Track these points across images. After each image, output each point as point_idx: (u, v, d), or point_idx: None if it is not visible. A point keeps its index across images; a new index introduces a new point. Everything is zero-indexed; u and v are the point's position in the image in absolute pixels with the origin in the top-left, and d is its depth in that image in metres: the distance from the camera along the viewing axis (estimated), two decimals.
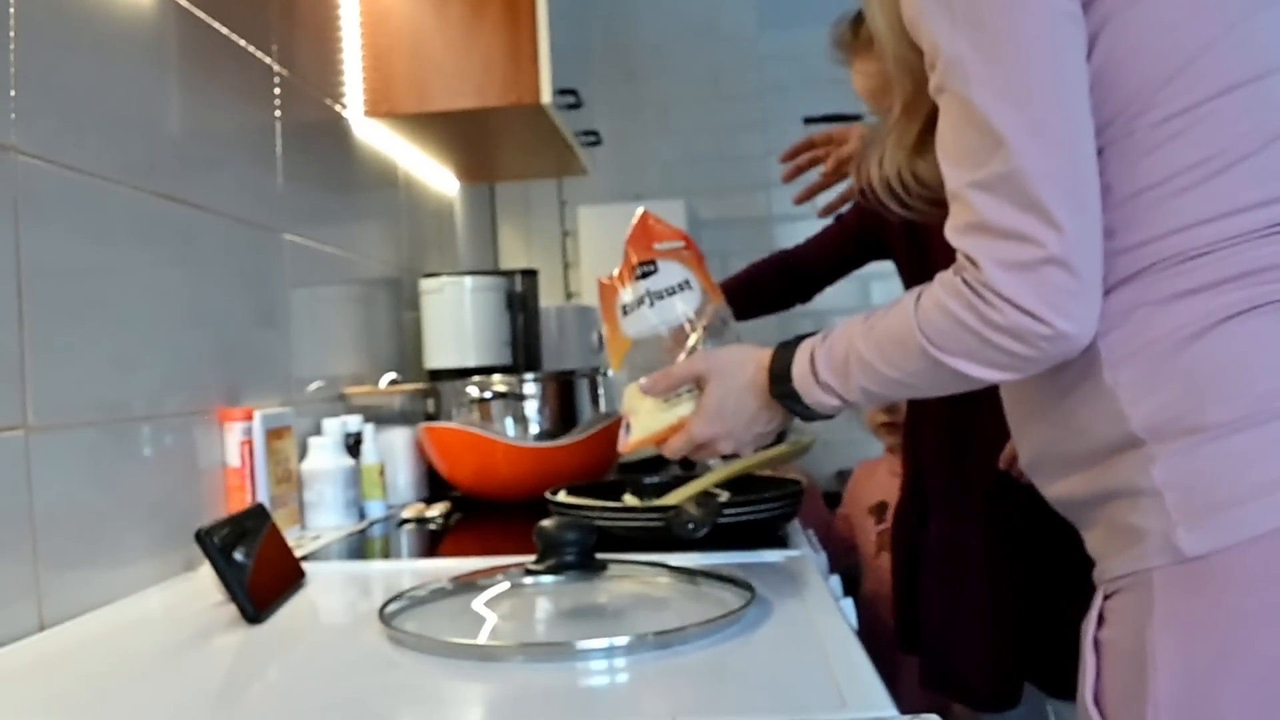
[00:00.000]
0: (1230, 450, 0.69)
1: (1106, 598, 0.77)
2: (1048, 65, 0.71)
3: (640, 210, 1.10)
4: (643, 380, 1.00)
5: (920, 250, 1.39)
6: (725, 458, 1.22)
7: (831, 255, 1.72)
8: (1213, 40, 0.72)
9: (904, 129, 0.86)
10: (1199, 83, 0.72)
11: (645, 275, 1.05)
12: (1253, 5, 0.73)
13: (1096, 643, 0.77)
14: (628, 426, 1.02)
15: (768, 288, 1.77)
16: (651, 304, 1.05)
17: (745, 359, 0.94)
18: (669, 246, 1.07)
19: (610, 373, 1.07)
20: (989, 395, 0.92)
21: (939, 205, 0.78)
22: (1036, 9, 0.71)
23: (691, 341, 1.03)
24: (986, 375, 0.76)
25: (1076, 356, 0.75)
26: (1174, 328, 0.72)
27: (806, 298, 1.80)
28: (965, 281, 0.73)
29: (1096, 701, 0.75)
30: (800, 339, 0.90)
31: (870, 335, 0.81)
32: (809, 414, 0.90)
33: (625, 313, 1.06)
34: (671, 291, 1.05)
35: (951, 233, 0.75)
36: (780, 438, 1.05)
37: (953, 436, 1.45)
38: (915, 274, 1.41)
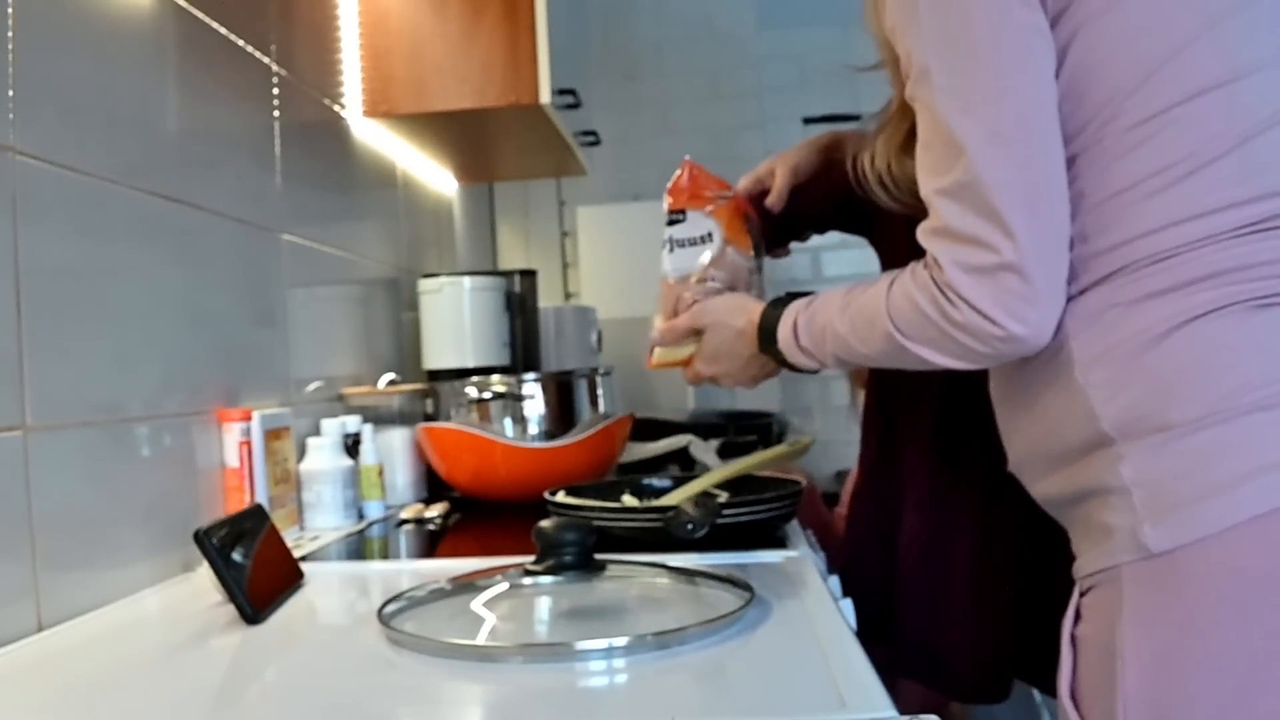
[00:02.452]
0: (1194, 448, 0.71)
1: (1083, 594, 0.79)
2: (1009, 78, 0.74)
3: (685, 159, 1.17)
4: (654, 334, 1.13)
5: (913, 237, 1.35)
6: (724, 459, 1.23)
7: (813, 203, 1.65)
8: (1181, 46, 0.74)
9: (895, 127, 0.90)
10: (1167, 88, 0.74)
11: (673, 223, 1.14)
12: (1220, 12, 0.74)
13: (1073, 638, 0.79)
14: (651, 350, 1.15)
15: None
16: (671, 250, 1.13)
17: (737, 309, 1.05)
18: (709, 195, 1.14)
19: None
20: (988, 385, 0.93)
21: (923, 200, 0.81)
22: (1000, 23, 0.74)
23: (707, 291, 1.11)
24: (946, 362, 0.81)
25: (1052, 357, 0.78)
26: (1142, 328, 0.74)
27: (780, 242, 1.71)
28: (932, 279, 0.78)
29: (1073, 696, 0.77)
30: (790, 296, 0.98)
31: (845, 312, 0.88)
32: (793, 368, 1.00)
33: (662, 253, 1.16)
34: (693, 242, 1.13)
35: (921, 234, 0.79)
36: (779, 438, 1.07)
37: (945, 428, 1.44)
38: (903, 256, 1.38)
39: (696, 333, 1.09)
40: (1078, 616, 0.79)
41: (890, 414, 1.53)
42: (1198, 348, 0.72)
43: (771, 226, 1.66)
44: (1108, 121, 0.75)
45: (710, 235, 1.11)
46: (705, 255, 1.11)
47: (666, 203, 1.14)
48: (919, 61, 0.76)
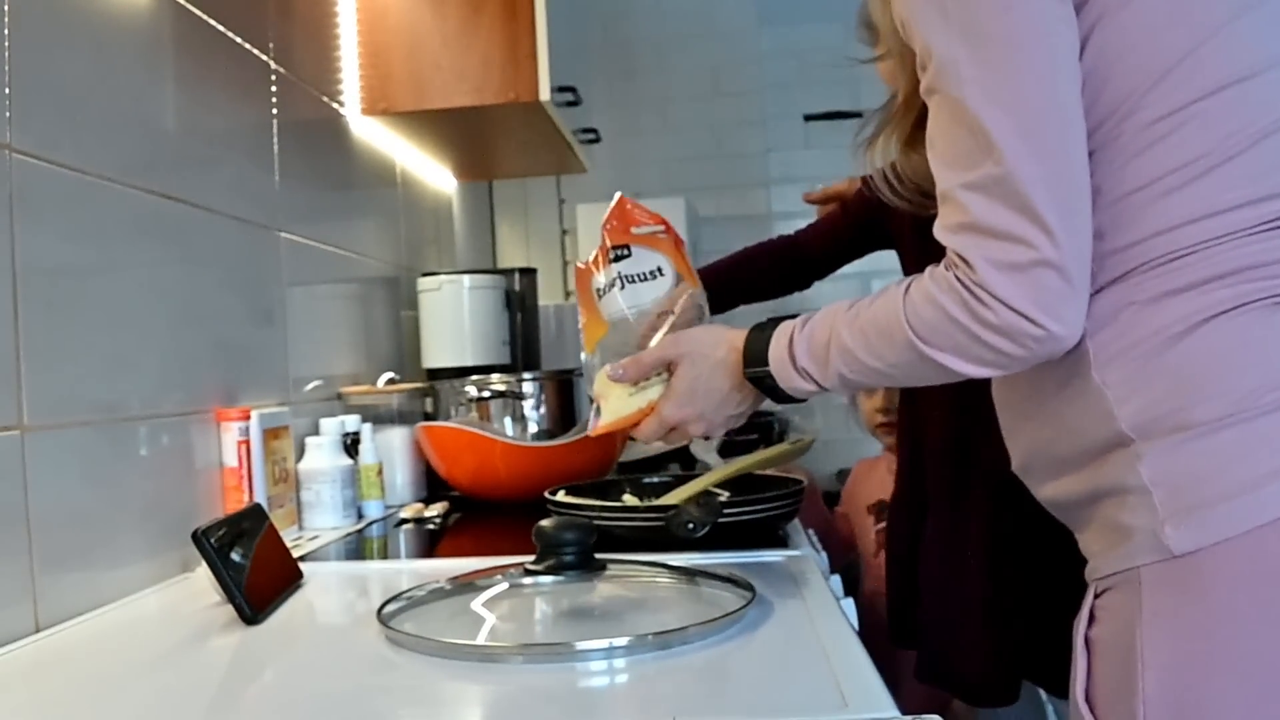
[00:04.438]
0: (1216, 447, 0.70)
1: (1097, 596, 0.78)
2: (1040, 68, 0.72)
3: (617, 195, 1.10)
4: (608, 367, 1.00)
5: (925, 240, 1.36)
6: (725, 458, 1.21)
7: (832, 241, 1.69)
8: (1199, 42, 0.73)
9: (900, 121, 0.87)
10: (1185, 85, 0.73)
11: (619, 259, 1.05)
12: (1239, 7, 0.73)
13: (1087, 640, 0.78)
14: (597, 410, 1.02)
15: (762, 272, 1.70)
16: (622, 287, 1.05)
17: (716, 340, 0.95)
18: (646, 231, 1.07)
19: (583, 356, 1.09)
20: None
21: (929, 197, 0.79)
22: (1030, 12, 0.72)
23: (661, 328, 1.03)
24: (971, 371, 0.77)
25: (1066, 357, 0.76)
26: (1160, 326, 0.72)
27: (804, 285, 1.74)
28: (959, 279, 0.74)
29: (1088, 699, 0.76)
30: (775, 321, 0.91)
31: (855, 324, 0.82)
32: (781, 396, 0.91)
33: (599, 296, 1.07)
34: (644, 277, 1.05)
35: (942, 232, 0.76)
36: (781, 437, 1.05)
37: (959, 432, 1.44)
38: (918, 264, 1.41)
39: (666, 369, 0.98)
40: (1091, 618, 0.78)
41: (918, 420, 1.53)
42: (1217, 346, 0.71)
43: (812, 267, 1.69)
44: (1126, 117, 0.74)
45: (660, 269, 1.06)
46: (661, 289, 1.05)
47: (605, 240, 1.08)
48: (941, 54, 0.74)
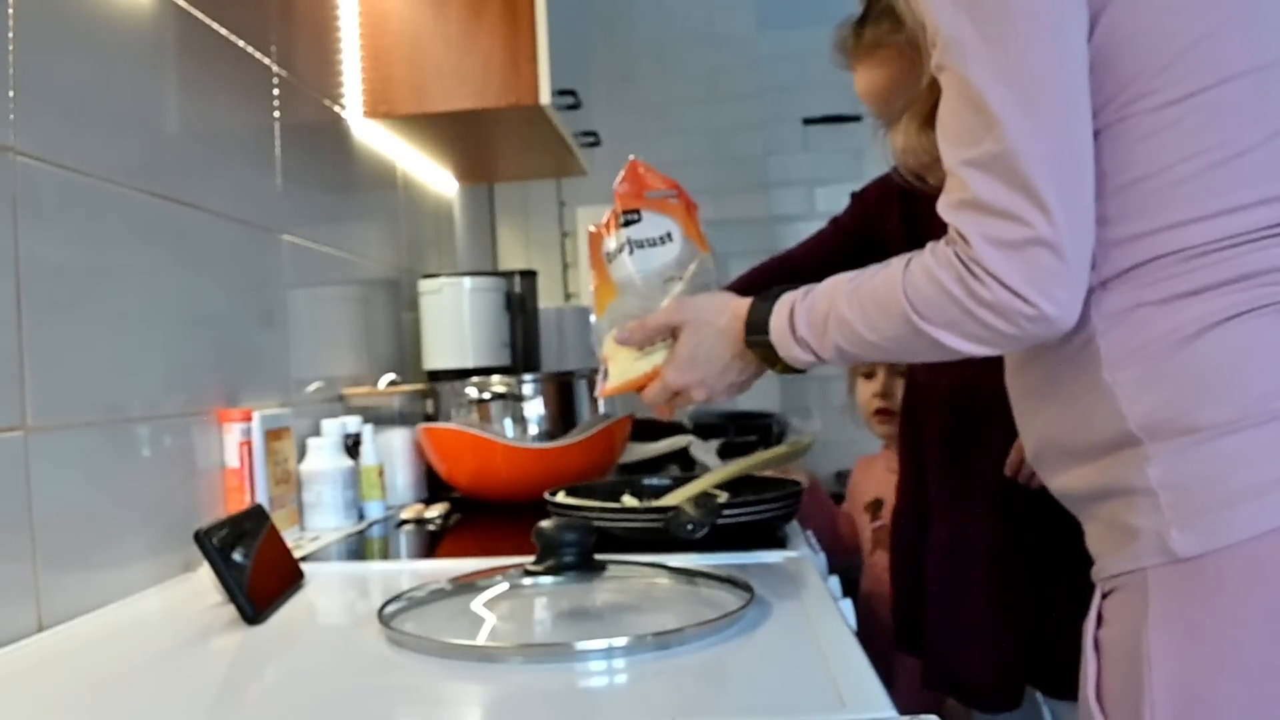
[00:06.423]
0: (1224, 452, 0.70)
1: (1104, 596, 0.78)
2: (1047, 46, 0.71)
3: (630, 158, 1.09)
4: (615, 331, 1.01)
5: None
6: (724, 459, 1.22)
7: (825, 257, 1.70)
8: (1216, 26, 0.71)
9: (924, 101, 0.86)
10: (1199, 70, 0.71)
11: (629, 224, 1.05)
12: None
13: (1097, 642, 0.77)
14: (605, 372, 1.04)
15: None
16: (631, 252, 1.05)
17: (720, 307, 0.96)
18: (658, 195, 1.06)
19: (592, 318, 1.09)
20: (993, 397, 0.92)
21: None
22: None
23: (670, 293, 1.03)
24: (964, 347, 0.76)
25: (1078, 353, 0.76)
26: (1172, 328, 0.72)
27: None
28: (957, 255, 0.73)
29: (1099, 700, 0.76)
30: (779, 291, 0.91)
31: (854, 296, 0.82)
32: (781, 366, 0.92)
33: (609, 260, 1.07)
34: (653, 243, 1.05)
35: (944, 208, 0.75)
36: (779, 439, 1.05)
37: (957, 438, 1.45)
38: None
39: (672, 334, 0.99)
40: (1100, 620, 0.77)
41: (918, 428, 1.54)
42: (1228, 350, 0.70)
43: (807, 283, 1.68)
44: (1134, 99, 0.72)
45: (670, 235, 1.05)
46: (670, 255, 1.04)
47: (617, 204, 1.07)
48: (949, 31, 0.73)
